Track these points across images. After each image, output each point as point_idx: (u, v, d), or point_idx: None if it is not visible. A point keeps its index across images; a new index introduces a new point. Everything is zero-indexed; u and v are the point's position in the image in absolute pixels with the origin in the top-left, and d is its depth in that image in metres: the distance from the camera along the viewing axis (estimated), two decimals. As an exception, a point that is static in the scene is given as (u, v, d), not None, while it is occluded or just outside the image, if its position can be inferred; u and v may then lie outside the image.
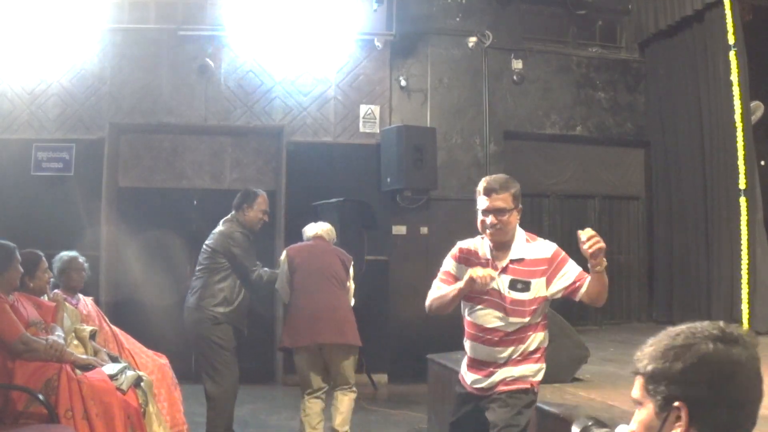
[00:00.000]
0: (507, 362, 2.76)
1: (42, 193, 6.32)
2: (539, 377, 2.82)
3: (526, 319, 2.73)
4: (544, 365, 2.83)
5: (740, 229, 6.19)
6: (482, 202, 2.76)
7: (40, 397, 2.99)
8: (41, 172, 6.43)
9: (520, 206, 2.80)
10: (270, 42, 6.66)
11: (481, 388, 2.81)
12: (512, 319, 2.73)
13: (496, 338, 2.76)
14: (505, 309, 2.73)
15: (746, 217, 6.17)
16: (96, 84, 6.56)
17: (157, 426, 3.46)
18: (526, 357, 2.78)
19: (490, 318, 2.76)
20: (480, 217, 2.78)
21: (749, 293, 6.11)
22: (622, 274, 7.87)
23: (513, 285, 2.75)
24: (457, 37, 7.18)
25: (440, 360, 4.80)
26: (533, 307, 2.73)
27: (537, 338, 2.79)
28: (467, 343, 2.88)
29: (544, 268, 2.74)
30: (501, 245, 2.78)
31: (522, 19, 7.46)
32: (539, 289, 2.73)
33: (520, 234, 2.81)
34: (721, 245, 6.52)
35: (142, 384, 3.51)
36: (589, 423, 1.52)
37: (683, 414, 1.13)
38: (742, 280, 6.15)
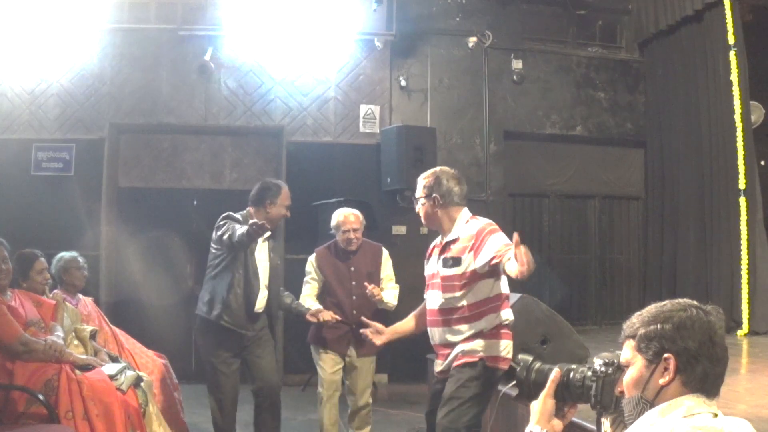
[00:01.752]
0: (459, 342, 2.87)
1: (42, 193, 6.32)
2: (494, 352, 2.86)
3: (457, 294, 2.84)
4: (502, 342, 2.89)
5: (740, 229, 6.19)
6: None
7: (40, 397, 2.99)
8: (41, 172, 6.43)
9: (436, 195, 2.94)
10: (270, 42, 6.66)
11: (442, 371, 2.96)
12: (446, 295, 2.88)
13: (440, 318, 2.91)
14: (441, 286, 2.91)
15: (746, 217, 6.17)
16: (96, 84, 6.56)
17: (157, 426, 3.45)
18: (476, 335, 2.85)
19: (432, 299, 2.97)
20: None
21: (749, 293, 6.12)
22: (622, 274, 7.87)
23: (445, 262, 2.92)
24: (457, 37, 7.18)
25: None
26: (464, 282, 2.84)
27: (488, 318, 2.86)
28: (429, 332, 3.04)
29: (472, 243, 2.85)
30: (443, 232, 3.00)
31: (522, 19, 7.46)
32: (469, 263, 2.84)
33: (463, 217, 2.97)
34: (720, 245, 6.52)
35: (142, 384, 3.51)
36: (530, 360, 1.77)
37: (671, 364, 1.36)
38: (742, 280, 6.15)
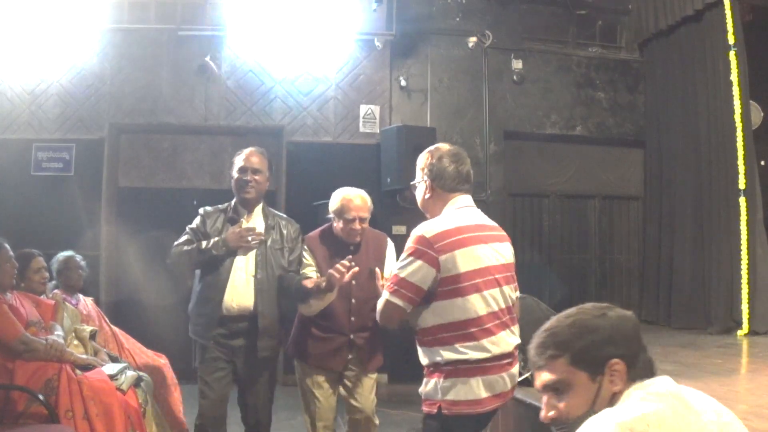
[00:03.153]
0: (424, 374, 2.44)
1: (42, 193, 6.31)
2: (456, 395, 2.27)
3: (413, 311, 2.38)
4: (435, 381, 2.31)
5: (740, 229, 6.19)
6: None
7: (41, 397, 2.99)
8: (41, 172, 6.43)
9: (427, 178, 2.46)
10: (270, 42, 6.65)
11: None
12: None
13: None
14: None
15: (746, 217, 6.17)
16: (96, 84, 6.56)
17: (157, 426, 3.46)
18: (432, 368, 2.35)
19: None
20: None
21: (749, 293, 6.11)
22: (622, 274, 7.88)
23: None
24: (457, 37, 7.18)
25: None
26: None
27: (421, 351, 2.40)
28: None
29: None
30: None
31: (522, 19, 7.46)
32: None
33: (451, 209, 2.48)
34: (720, 245, 6.52)
35: (142, 384, 3.52)
36: None
37: (620, 367, 1.33)
38: (742, 280, 6.15)
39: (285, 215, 3.55)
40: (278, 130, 6.82)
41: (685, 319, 6.81)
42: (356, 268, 2.90)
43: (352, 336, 3.20)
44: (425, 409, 2.36)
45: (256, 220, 3.35)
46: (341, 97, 6.88)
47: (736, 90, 6.23)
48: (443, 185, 2.43)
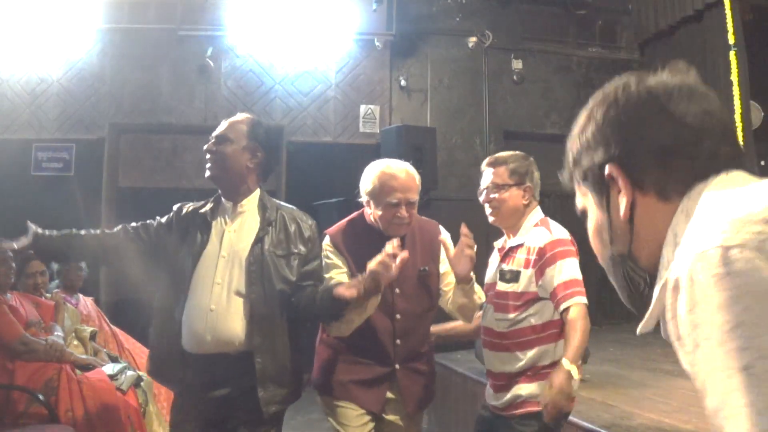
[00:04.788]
0: (517, 377, 2.28)
1: (42, 193, 6.31)
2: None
3: (510, 316, 2.26)
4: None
5: (740, 229, 6.19)
6: (482, 178, 2.46)
7: (41, 397, 2.99)
8: (41, 172, 6.43)
9: (528, 184, 2.37)
10: (270, 42, 6.66)
11: (494, 406, 2.38)
12: (497, 315, 2.31)
13: (491, 339, 2.35)
14: (494, 303, 2.34)
15: (746, 217, 6.17)
16: (96, 84, 6.56)
17: (157, 426, 3.46)
18: (537, 372, 2.26)
19: (486, 314, 2.40)
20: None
21: (749, 293, 6.11)
22: (622, 274, 7.87)
23: (503, 275, 2.33)
24: (457, 37, 7.18)
25: (440, 360, 4.79)
26: (519, 303, 2.26)
27: (547, 350, 2.27)
28: None
29: (535, 258, 2.25)
30: (510, 231, 2.38)
31: (522, 19, 7.46)
32: (529, 283, 2.26)
33: (534, 218, 2.39)
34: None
35: (142, 384, 3.52)
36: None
37: (618, 176, 0.87)
38: (742, 280, 6.14)
39: (295, 207, 2.51)
40: (278, 131, 6.82)
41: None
42: (405, 253, 2.09)
43: (397, 366, 2.37)
44: (526, 410, 2.25)
45: (244, 215, 2.35)
46: (341, 97, 6.88)
47: (736, 90, 6.22)
48: (535, 196, 2.46)
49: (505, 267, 2.34)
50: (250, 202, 2.37)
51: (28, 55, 6.46)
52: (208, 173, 2.36)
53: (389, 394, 2.38)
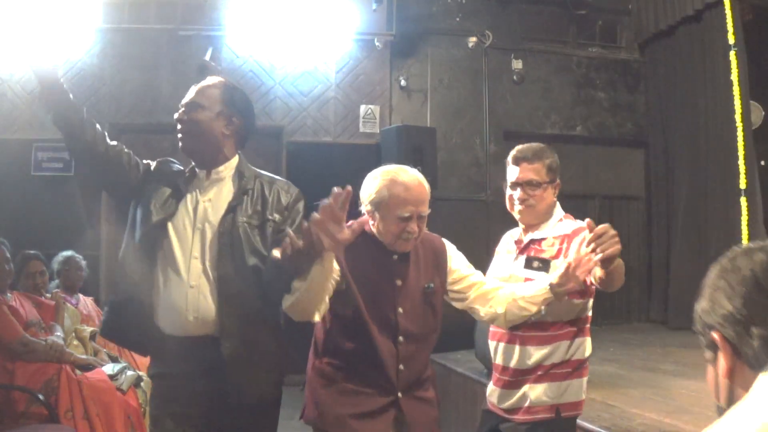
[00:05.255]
0: (527, 374, 2.18)
1: (42, 193, 6.31)
2: (570, 397, 2.19)
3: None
4: (574, 381, 2.21)
5: (740, 229, 6.19)
6: (511, 173, 2.28)
7: (41, 397, 2.99)
8: (41, 172, 6.43)
9: (558, 182, 2.32)
10: (270, 42, 6.66)
11: (499, 408, 2.25)
12: None
13: (504, 332, 2.24)
14: None
15: (746, 217, 6.17)
16: (96, 84, 6.56)
17: (157, 426, 3.45)
18: (548, 372, 2.18)
19: None
20: (508, 191, 2.30)
21: (749, 293, 6.10)
22: (622, 274, 7.87)
23: (529, 263, 2.21)
24: (457, 37, 7.18)
25: (440, 360, 4.80)
26: None
27: (560, 347, 2.21)
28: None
29: (566, 247, 2.18)
30: (531, 227, 2.29)
31: (522, 19, 7.46)
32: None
33: (559, 213, 2.34)
34: (720, 245, 6.51)
35: (142, 384, 3.52)
36: None
37: (720, 343, 0.92)
38: (743, 281, 6.14)
39: (280, 177, 2.28)
40: (278, 130, 6.82)
41: (685, 319, 6.80)
42: (349, 188, 1.88)
43: (400, 394, 2.09)
44: (533, 417, 2.16)
45: (220, 184, 2.16)
46: (341, 97, 6.88)
47: (736, 90, 6.22)
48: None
49: (532, 255, 2.25)
50: (227, 170, 2.19)
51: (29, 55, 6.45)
52: (180, 145, 2.17)
53: (392, 428, 2.09)
